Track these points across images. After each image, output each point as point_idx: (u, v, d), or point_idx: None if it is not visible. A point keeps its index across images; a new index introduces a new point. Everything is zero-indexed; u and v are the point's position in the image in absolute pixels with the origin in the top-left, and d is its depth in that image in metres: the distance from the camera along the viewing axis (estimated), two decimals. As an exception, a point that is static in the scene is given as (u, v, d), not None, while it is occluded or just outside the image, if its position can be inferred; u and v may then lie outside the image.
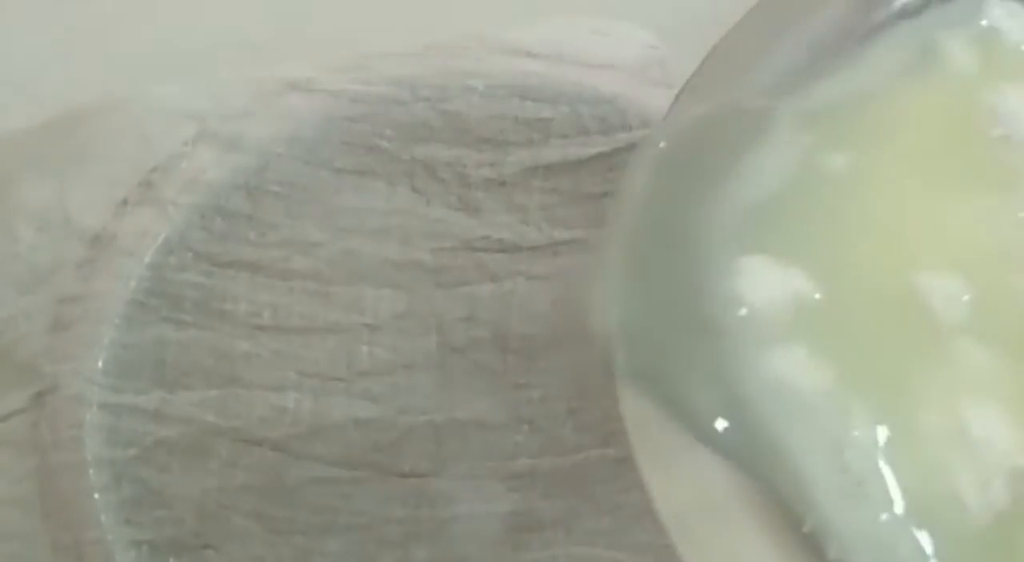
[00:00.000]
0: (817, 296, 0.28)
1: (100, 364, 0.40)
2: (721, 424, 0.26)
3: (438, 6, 0.50)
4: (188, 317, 0.42)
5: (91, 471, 0.39)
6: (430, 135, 0.46)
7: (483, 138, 0.46)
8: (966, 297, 0.28)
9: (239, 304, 0.43)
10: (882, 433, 0.26)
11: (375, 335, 0.45)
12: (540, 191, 0.46)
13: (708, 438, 0.26)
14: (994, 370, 0.27)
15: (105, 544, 0.37)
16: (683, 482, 0.26)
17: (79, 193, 0.42)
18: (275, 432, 0.42)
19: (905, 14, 0.33)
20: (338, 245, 0.45)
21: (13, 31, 0.48)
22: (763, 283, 0.27)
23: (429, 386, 0.45)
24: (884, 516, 0.25)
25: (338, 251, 0.45)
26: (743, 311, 0.27)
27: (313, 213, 0.45)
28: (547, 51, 0.47)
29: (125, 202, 0.42)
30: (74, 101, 0.44)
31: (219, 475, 0.41)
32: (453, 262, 0.46)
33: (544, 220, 0.46)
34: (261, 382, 0.43)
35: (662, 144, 0.31)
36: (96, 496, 0.39)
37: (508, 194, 0.46)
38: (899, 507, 0.26)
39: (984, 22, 0.33)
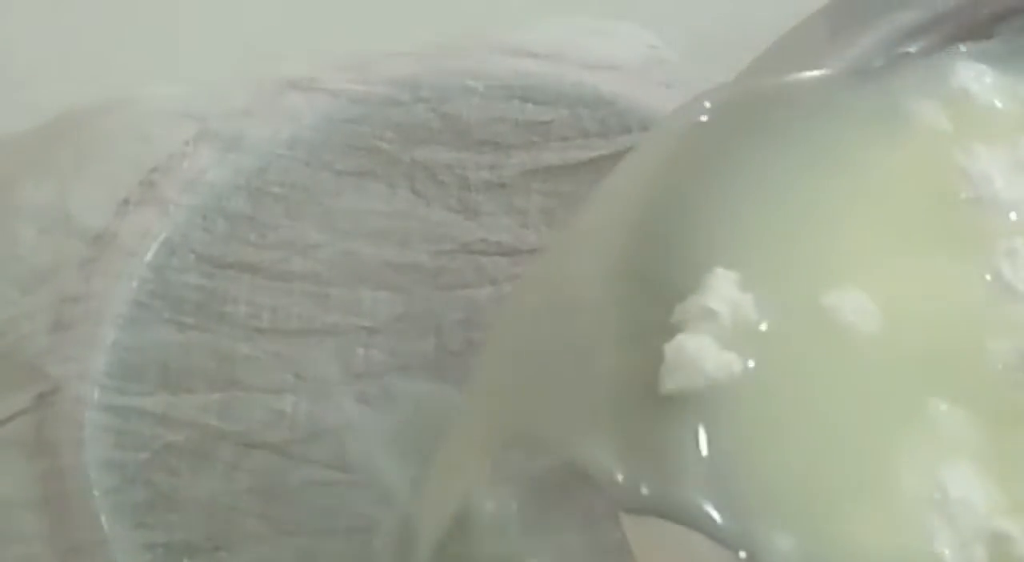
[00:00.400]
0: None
1: (104, 366, 0.40)
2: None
3: (438, 6, 0.50)
4: (190, 319, 0.42)
5: (101, 473, 0.39)
6: (430, 137, 0.46)
7: (483, 141, 0.46)
8: (937, 359, 0.28)
9: (239, 306, 0.43)
10: (863, 496, 0.27)
11: (373, 337, 0.45)
12: (540, 194, 0.46)
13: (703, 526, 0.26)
14: (969, 431, 0.27)
15: (107, 546, 0.37)
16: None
17: (80, 193, 0.42)
18: (274, 436, 0.42)
19: (872, 75, 0.33)
20: (337, 247, 0.45)
21: (13, 31, 0.48)
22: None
23: (426, 389, 0.45)
24: None
25: (337, 253, 0.45)
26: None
27: (313, 215, 0.45)
28: (548, 51, 0.47)
29: (126, 202, 0.42)
30: (74, 101, 0.44)
31: (225, 478, 0.41)
32: (452, 265, 0.46)
33: (544, 223, 0.46)
34: (260, 385, 0.43)
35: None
36: (103, 498, 0.39)
37: (508, 197, 0.46)
38: None
39: (954, 84, 0.33)
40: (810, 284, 0.29)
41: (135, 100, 0.44)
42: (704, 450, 0.27)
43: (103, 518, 0.38)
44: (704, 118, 0.33)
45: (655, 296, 0.29)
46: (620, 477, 0.27)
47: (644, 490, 0.27)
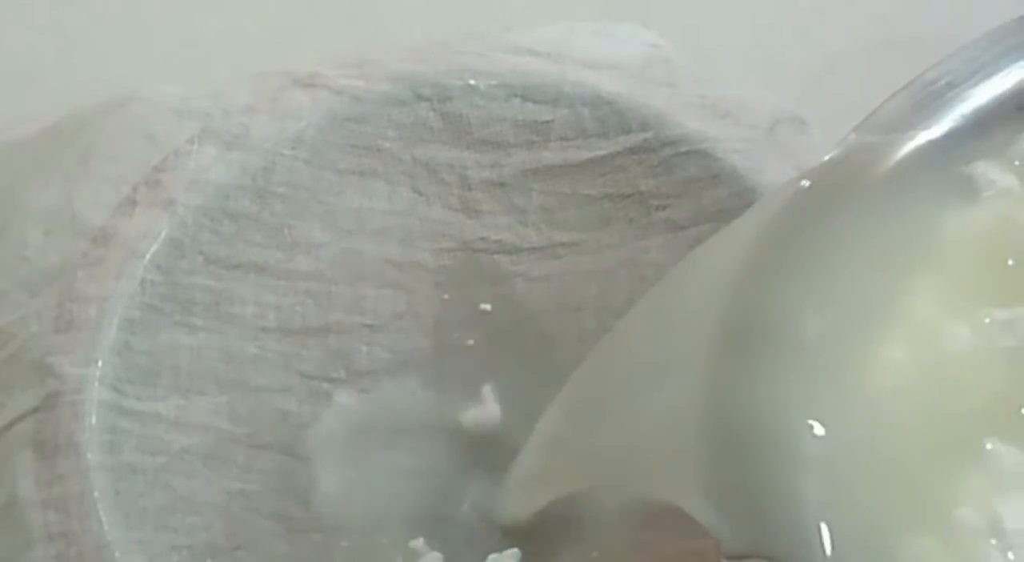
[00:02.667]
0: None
1: (118, 370, 0.41)
2: None
3: (439, 6, 0.50)
4: (199, 321, 0.43)
5: (125, 477, 0.40)
6: (431, 136, 0.46)
7: (484, 140, 0.46)
8: (991, 405, 0.30)
9: (246, 306, 0.44)
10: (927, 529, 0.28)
11: (375, 335, 0.45)
12: (540, 193, 0.46)
13: None
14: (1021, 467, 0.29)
15: (109, 549, 0.38)
16: None
17: (86, 193, 0.42)
18: (282, 436, 0.43)
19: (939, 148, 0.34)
20: (339, 245, 0.45)
21: (13, 31, 0.48)
22: None
23: (427, 387, 0.46)
24: None
25: (339, 251, 0.45)
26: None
27: (316, 214, 0.45)
28: (548, 50, 0.47)
29: (132, 201, 0.43)
30: (77, 102, 0.44)
31: (239, 480, 0.42)
32: (453, 263, 0.46)
33: (543, 222, 0.46)
34: (267, 385, 0.43)
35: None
36: (129, 501, 0.39)
37: (508, 196, 0.46)
38: None
39: (1016, 153, 0.34)
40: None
41: (139, 99, 0.44)
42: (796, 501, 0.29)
43: (127, 521, 0.39)
44: (800, 195, 0.35)
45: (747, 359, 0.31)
46: (725, 529, 0.29)
47: (746, 538, 0.29)
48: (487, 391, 0.45)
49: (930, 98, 0.35)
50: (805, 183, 0.35)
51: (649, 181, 0.46)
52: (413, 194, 0.46)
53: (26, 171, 0.43)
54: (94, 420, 0.39)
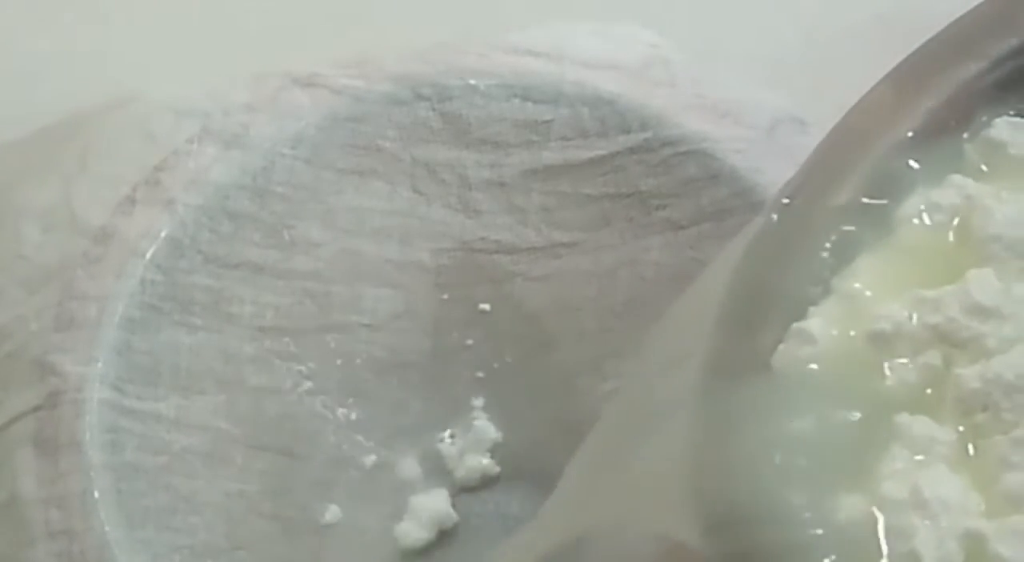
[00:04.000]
0: None
1: (119, 370, 0.41)
2: None
3: (440, 5, 0.50)
4: (199, 320, 0.43)
5: (127, 476, 0.40)
6: (431, 136, 0.46)
7: (483, 140, 0.46)
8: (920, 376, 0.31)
9: (245, 306, 0.44)
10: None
11: (373, 335, 0.45)
12: (539, 193, 0.46)
13: None
14: (941, 437, 0.30)
15: (111, 548, 0.38)
16: None
17: (85, 192, 0.42)
18: (280, 436, 0.43)
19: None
20: (339, 245, 0.45)
21: (13, 31, 0.48)
22: None
23: (425, 386, 0.46)
24: None
25: (338, 251, 0.45)
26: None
27: (315, 213, 0.45)
28: (548, 50, 0.47)
29: (132, 200, 0.43)
30: (76, 101, 0.44)
31: (239, 480, 0.42)
32: (452, 263, 0.46)
33: (543, 222, 0.46)
34: (265, 385, 0.43)
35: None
36: (132, 501, 0.40)
37: (508, 196, 0.46)
38: None
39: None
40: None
41: (139, 99, 0.44)
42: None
43: (129, 521, 0.39)
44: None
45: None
46: None
47: None
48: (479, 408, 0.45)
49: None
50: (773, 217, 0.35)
51: (649, 181, 0.46)
52: (413, 194, 0.46)
53: (25, 170, 0.43)
54: (96, 419, 0.40)
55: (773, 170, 0.44)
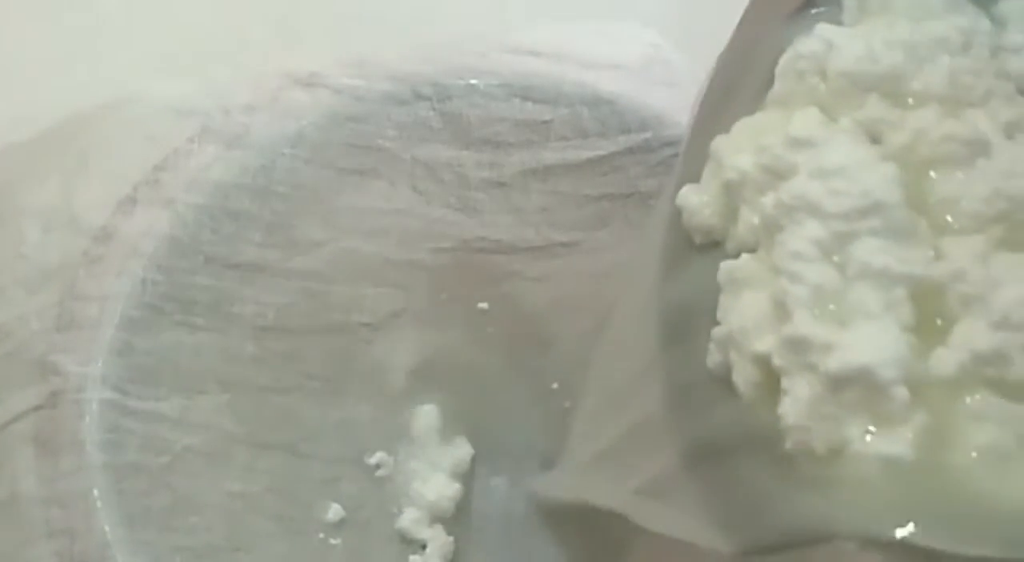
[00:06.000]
0: None
1: (121, 370, 0.41)
2: None
3: (440, 5, 0.50)
4: (200, 320, 0.43)
5: (129, 476, 0.40)
6: (431, 136, 0.46)
7: (483, 139, 0.47)
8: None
9: (246, 306, 0.44)
10: None
11: (373, 334, 0.45)
12: (539, 193, 0.47)
13: None
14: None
15: (109, 548, 0.38)
16: None
17: (85, 192, 0.42)
18: (284, 435, 0.43)
19: None
20: (339, 244, 0.45)
21: (13, 32, 0.48)
22: None
23: (425, 385, 0.46)
24: None
25: (338, 250, 0.45)
26: None
27: (315, 213, 0.45)
28: (548, 50, 0.48)
29: (133, 200, 0.43)
30: (76, 101, 0.44)
31: (241, 480, 0.42)
32: (451, 262, 0.46)
33: (542, 222, 0.47)
34: (268, 384, 0.43)
35: None
36: (133, 501, 0.40)
37: (507, 195, 0.47)
38: None
39: None
40: None
41: (139, 98, 0.44)
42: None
43: (130, 522, 0.39)
44: None
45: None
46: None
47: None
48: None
49: None
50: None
51: (648, 181, 0.46)
52: (412, 193, 0.46)
53: (26, 170, 0.43)
54: (97, 418, 0.40)
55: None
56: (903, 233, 0.31)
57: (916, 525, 0.28)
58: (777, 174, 0.32)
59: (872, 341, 0.30)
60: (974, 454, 0.29)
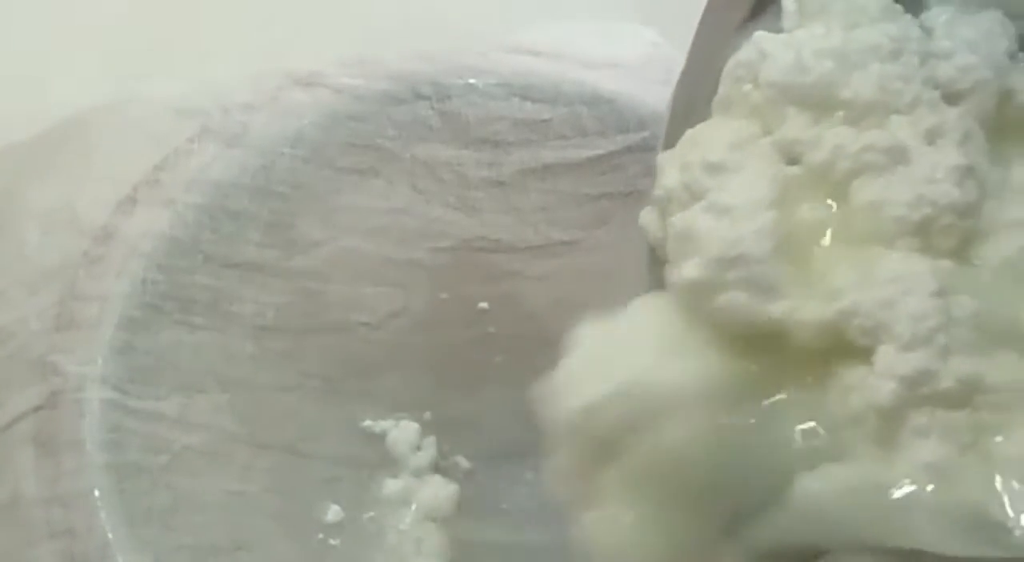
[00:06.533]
0: None
1: (120, 369, 0.41)
2: None
3: (440, 5, 0.50)
4: (199, 319, 0.43)
5: (130, 476, 0.40)
6: (430, 135, 0.46)
7: (482, 138, 0.47)
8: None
9: (245, 305, 0.44)
10: None
11: (373, 334, 0.45)
12: (538, 192, 0.47)
13: None
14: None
15: (110, 548, 0.38)
16: None
17: (86, 192, 0.42)
18: (284, 435, 0.43)
19: None
20: (338, 244, 0.45)
21: (13, 31, 0.48)
22: None
23: (424, 385, 0.46)
24: None
25: (338, 250, 0.45)
26: None
27: (314, 212, 0.45)
28: (548, 49, 0.48)
29: (133, 200, 0.43)
30: (77, 101, 0.44)
31: (241, 479, 0.42)
32: (451, 262, 0.46)
33: (542, 221, 0.47)
34: (267, 384, 0.44)
35: None
36: (134, 500, 0.40)
37: (506, 194, 0.47)
38: None
39: None
40: None
41: (139, 98, 0.44)
42: None
43: (131, 520, 0.39)
44: None
45: None
46: None
47: None
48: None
49: None
50: None
51: (647, 180, 0.45)
52: (412, 192, 0.46)
53: (26, 170, 0.43)
54: (97, 418, 0.40)
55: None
56: (764, 287, 0.32)
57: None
58: (693, 195, 0.33)
59: None
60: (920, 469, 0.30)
